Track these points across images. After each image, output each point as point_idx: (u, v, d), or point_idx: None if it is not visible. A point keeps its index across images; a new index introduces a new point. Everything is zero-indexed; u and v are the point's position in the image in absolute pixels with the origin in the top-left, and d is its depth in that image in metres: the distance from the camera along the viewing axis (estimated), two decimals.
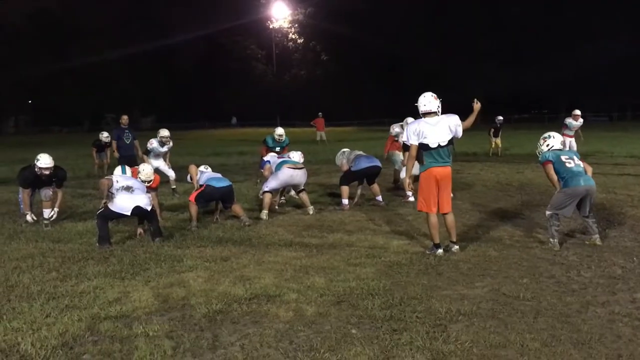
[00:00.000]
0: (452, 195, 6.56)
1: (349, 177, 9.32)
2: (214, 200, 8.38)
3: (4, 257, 6.22)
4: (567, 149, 14.83)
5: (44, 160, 7.85)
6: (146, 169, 7.99)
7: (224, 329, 4.08)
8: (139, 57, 56.77)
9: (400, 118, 11.01)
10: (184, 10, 59.11)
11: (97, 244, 6.68)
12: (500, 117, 19.61)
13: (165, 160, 11.61)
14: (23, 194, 8.26)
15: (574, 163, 6.53)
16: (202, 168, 8.68)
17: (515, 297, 4.66)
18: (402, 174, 10.02)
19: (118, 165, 8.77)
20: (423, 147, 6.07)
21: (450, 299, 4.62)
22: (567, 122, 15.33)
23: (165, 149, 11.46)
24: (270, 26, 67.51)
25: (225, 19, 58.40)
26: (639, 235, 6.75)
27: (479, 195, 10.11)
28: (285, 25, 70.32)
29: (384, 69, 61.54)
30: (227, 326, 4.13)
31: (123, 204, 6.83)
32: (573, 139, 15.21)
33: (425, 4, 55.43)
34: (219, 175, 8.46)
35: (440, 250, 6.06)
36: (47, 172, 7.84)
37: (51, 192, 7.99)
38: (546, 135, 6.98)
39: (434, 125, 6.02)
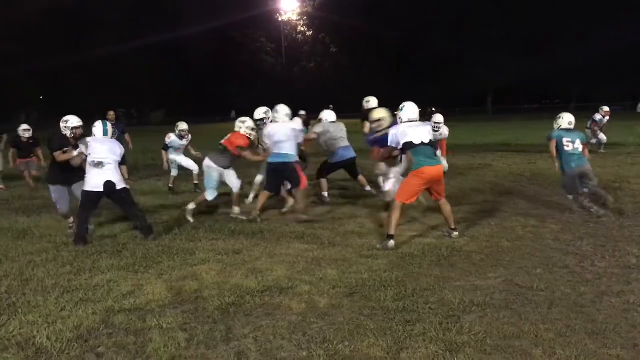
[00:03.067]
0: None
1: (328, 169, 9.15)
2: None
3: (19, 251, 6.26)
4: (595, 140, 14.91)
5: (74, 119, 7.07)
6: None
7: (237, 321, 4.10)
8: (150, 51, 56.78)
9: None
10: (194, 3, 59.04)
11: (73, 243, 6.48)
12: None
13: (186, 154, 11.36)
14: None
15: (572, 147, 7.40)
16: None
17: (529, 287, 4.63)
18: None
19: None
20: (408, 146, 6.27)
21: (463, 290, 4.61)
22: (596, 119, 15.38)
23: (184, 142, 11.25)
24: (279, 19, 67.41)
25: (235, 12, 58.28)
26: None
27: (491, 186, 10.05)
28: (294, 17, 70.13)
29: (394, 60, 61.21)
30: (240, 318, 4.15)
31: (95, 180, 6.49)
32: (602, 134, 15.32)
33: None
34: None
35: (392, 242, 6.00)
36: (81, 132, 7.07)
37: None
38: (558, 115, 7.94)
39: (415, 127, 6.37)
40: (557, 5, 49.56)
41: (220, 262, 5.64)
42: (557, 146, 7.48)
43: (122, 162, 12.37)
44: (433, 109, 59.24)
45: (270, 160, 7.65)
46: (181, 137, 11.12)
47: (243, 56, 65.55)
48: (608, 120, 15.57)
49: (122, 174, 12.07)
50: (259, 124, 8.12)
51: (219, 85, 64.83)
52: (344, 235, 6.72)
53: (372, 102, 10.03)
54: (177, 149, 11.14)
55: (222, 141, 7.87)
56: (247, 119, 8.01)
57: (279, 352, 3.56)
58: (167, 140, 11.09)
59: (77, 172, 6.83)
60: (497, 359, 3.41)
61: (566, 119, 7.70)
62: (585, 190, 7.37)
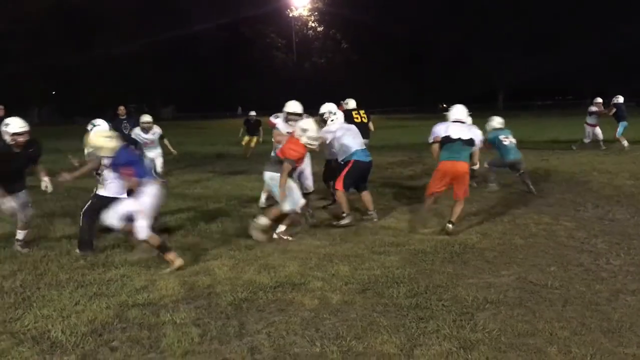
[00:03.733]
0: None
1: (352, 175, 7.26)
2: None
3: (32, 245, 6.30)
4: (589, 138, 14.87)
5: (16, 124, 5.76)
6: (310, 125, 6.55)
7: (250, 316, 4.10)
8: (160, 47, 56.97)
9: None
10: None
11: (79, 250, 5.89)
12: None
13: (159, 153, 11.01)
14: None
15: (509, 141, 9.14)
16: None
17: (543, 285, 4.60)
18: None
19: None
20: (445, 140, 6.57)
21: (477, 287, 4.59)
22: (592, 110, 15.24)
23: (150, 135, 10.75)
24: (290, 14, 67.30)
25: (246, 8, 58.29)
26: None
27: (504, 183, 9.98)
28: (305, 13, 69.99)
29: (406, 57, 60.99)
30: (253, 314, 4.15)
31: (118, 187, 5.81)
32: (597, 127, 15.09)
33: None
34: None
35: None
36: (22, 139, 5.76)
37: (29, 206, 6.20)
38: (490, 118, 9.73)
39: (459, 126, 6.66)
40: (570, 2, 49.14)
41: (233, 257, 5.64)
42: (496, 143, 9.14)
43: None
44: (444, 105, 59.03)
45: (359, 158, 7.21)
46: (144, 130, 10.73)
47: (254, 52, 65.57)
48: (603, 112, 15.26)
49: None
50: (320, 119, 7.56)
51: (229, 81, 64.94)
52: (355, 231, 6.70)
53: (350, 103, 10.15)
54: (148, 145, 10.74)
55: (277, 152, 6.63)
56: (308, 126, 6.49)
57: (292, 348, 3.56)
58: (133, 136, 10.77)
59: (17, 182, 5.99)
60: (512, 356, 3.39)
61: (496, 120, 9.54)
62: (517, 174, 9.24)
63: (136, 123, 12.51)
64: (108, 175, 5.83)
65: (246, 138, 16.84)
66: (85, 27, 55.61)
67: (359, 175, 7.29)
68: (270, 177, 6.46)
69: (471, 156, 6.85)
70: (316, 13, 70.09)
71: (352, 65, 63.71)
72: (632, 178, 9.83)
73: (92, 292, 4.69)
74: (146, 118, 10.92)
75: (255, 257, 5.64)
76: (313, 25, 71.23)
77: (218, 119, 55.74)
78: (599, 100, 15.41)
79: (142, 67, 58.32)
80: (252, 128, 16.89)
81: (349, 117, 9.49)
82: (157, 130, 10.91)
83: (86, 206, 5.99)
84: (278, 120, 7.65)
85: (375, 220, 7.17)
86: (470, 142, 6.58)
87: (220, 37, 62.14)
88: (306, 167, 7.38)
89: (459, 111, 6.84)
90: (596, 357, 3.34)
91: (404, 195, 9.01)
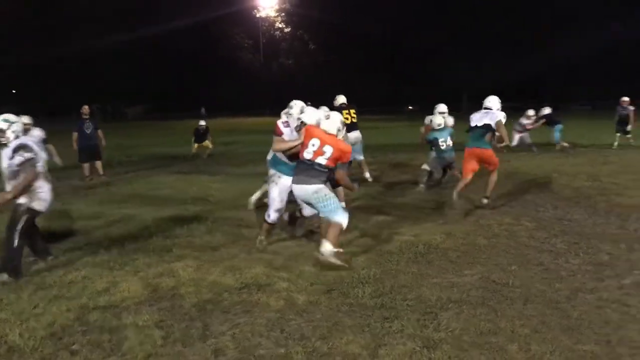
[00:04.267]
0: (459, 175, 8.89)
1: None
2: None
3: None
4: (515, 143, 15.39)
5: None
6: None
7: (214, 318, 4.07)
8: (128, 46, 56.08)
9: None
10: None
11: (7, 276, 4.98)
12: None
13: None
14: None
15: (445, 145, 9.58)
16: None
17: (505, 284, 4.69)
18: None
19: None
20: (471, 129, 8.08)
21: (440, 287, 4.64)
22: (522, 122, 15.86)
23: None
24: (257, 15, 67.00)
25: (213, 8, 57.87)
26: (625, 223, 6.81)
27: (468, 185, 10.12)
28: (272, 14, 69.77)
29: (378, 57, 61.30)
30: (217, 315, 4.12)
31: (49, 196, 5.28)
32: (525, 134, 15.82)
33: None
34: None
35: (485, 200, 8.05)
36: None
37: None
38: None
39: (478, 113, 8.08)
40: (530, 6, 50.29)
41: (198, 259, 5.59)
42: (433, 143, 9.71)
43: (96, 158, 12.24)
44: (410, 108, 59.51)
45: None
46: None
47: (221, 52, 65.07)
48: (533, 127, 15.96)
49: (97, 170, 12.04)
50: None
51: (197, 82, 64.29)
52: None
53: (338, 99, 10.27)
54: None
55: (327, 162, 5.33)
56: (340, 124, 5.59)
57: (256, 349, 3.54)
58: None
59: None
60: (474, 355, 3.44)
61: (435, 121, 9.87)
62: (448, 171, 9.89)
63: (97, 124, 12.31)
64: (42, 182, 5.21)
65: (195, 146, 17.02)
66: (48, 24, 54.36)
67: None
68: (316, 190, 5.30)
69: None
70: (283, 14, 69.93)
71: (319, 66, 63.80)
72: (590, 180, 10.10)
73: (52, 294, 4.59)
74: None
75: (220, 259, 5.60)
76: (280, 26, 71.06)
77: (185, 120, 55.23)
78: (531, 113, 16.00)
79: (109, 67, 57.29)
80: (201, 136, 17.06)
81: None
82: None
83: (20, 224, 5.07)
84: (287, 130, 6.92)
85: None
86: (486, 127, 7.85)
87: (188, 37, 61.49)
88: None
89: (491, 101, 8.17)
90: (555, 354, 3.42)
91: (369, 196, 9.06)
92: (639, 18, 43.95)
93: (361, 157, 10.58)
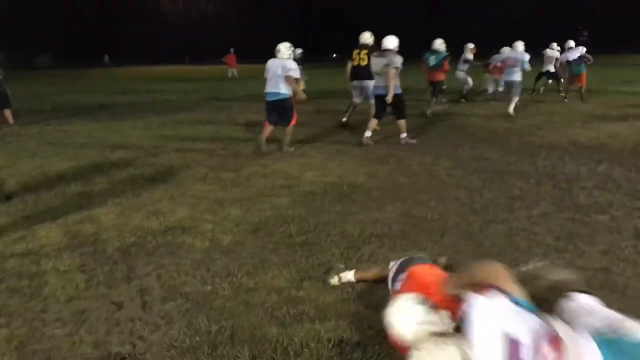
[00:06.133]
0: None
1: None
2: None
3: None
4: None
5: None
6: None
7: (138, 261, 4.03)
8: None
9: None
10: None
11: None
12: None
13: None
14: None
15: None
16: None
17: (424, 218, 4.89)
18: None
19: None
20: None
21: (363, 223, 4.79)
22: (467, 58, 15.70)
23: None
24: None
25: None
26: (535, 160, 7.21)
27: (388, 127, 10.34)
28: None
29: (295, 4, 60.33)
30: (141, 258, 4.08)
31: None
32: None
33: None
34: None
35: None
36: None
37: None
38: None
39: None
40: None
41: (119, 205, 5.47)
42: None
43: (5, 106, 11.53)
44: (334, 55, 59.34)
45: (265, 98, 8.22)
46: None
47: None
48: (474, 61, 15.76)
49: (7, 118, 11.35)
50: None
51: (112, 29, 61.15)
52: (247, 176, 6.70)
53: (363, 37, 10.20)
54: None
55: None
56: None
57: (182, 288, 3.55)
58: None
59: None
60: None
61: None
62: None
63: (2, 72, 11.52)
64: None
65: None
66: None
67: (266, 110, 8.29)
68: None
69: None
70: None
71: (242, 12, 62.12)
72: (505, 121, 10.57)
73: None
74: None
75: (143, 204, 5.50)
76: None
77: (99, 68, 52.60)
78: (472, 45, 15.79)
79: (14, 12, 53.29)
80: None
81: (350, 57, 10.28)
82: None
83: None
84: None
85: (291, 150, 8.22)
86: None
87: None
88: None
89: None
90: None
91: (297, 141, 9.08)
92: None
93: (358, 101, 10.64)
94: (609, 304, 3.16)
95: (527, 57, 11.58)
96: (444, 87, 12.88)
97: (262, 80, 8.36)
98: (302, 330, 2.92)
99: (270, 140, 8.32)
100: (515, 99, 11.59)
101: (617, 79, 21.05)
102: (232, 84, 25.22)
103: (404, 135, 8.68)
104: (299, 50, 13.50)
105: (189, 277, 3.71)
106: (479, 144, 8.48)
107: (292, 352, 2.71)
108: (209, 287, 3.55)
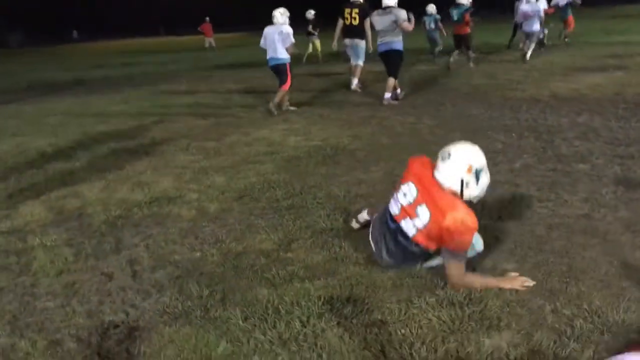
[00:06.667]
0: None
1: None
2: None
3: None
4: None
5: None
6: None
7: (125, 232, 4.03)
8: None
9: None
10: None
11: None
12: None
13: None
14: None
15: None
16: None
17: None
18: None
19: None
20: None
21: (348, 184, 4.81)
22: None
23: None
24: None
25: None
26: (517, 114, 7.25)
27: (369, 89, 10.32)
28: None
29: None
30: (129, 229, 4.08)
31: None
32: None
33: None
34: None
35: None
36: None
37: None
38: None
39: None
40: None
41: (103, 179, 5.43)
42: None
43: None
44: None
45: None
46: None
47: None
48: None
49: None
50: None
51: (84, 3, 59.70)
52: (229, 145, 6.68)
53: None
54: None
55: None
56: None
57: (172, 256, 3.56)
58: None
59: None
60: None
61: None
62: None
63: None
64: None
65: None
66: None
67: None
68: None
69: None
70: None
71: None
72: (486, 77, 10.59)
73: None
74: None
75: (126, 177, 5.47)
76: None
77: (71, 43, 51.50)
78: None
79: None
80: None
81: (341, 16, 10.04)
82: None
83: None
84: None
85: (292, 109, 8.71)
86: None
87: None
88: None
89: None
90: None
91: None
92: None
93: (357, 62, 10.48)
94: (591, 249, 3.25)
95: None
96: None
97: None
98: (292, 290, 2.96)
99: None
100: (532, 46, 13.07)
101: (597, 30, 21.08)
102: (210, 54, 24.90)
103: (388, 95, 8.67)
104: (312, 12, 13.48)
105: (177, 246, 3.72)
106: (461, 101, 8.50)
107: (283, 311, 2.74)
108: (198, 254, 3.56)
